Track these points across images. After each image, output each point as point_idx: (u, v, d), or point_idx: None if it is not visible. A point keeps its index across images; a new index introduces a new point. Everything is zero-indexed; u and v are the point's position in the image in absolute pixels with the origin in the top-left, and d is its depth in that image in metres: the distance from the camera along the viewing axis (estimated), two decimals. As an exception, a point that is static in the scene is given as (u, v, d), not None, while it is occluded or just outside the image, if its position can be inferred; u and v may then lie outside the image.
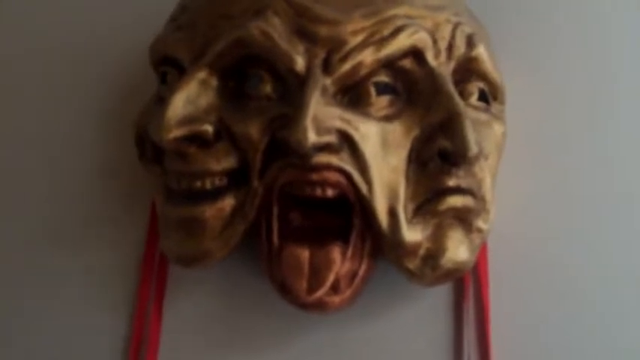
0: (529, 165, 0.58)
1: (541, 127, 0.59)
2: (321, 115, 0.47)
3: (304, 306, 0.50)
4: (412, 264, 0.49)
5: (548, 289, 0.56)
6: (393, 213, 0.48)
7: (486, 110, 0.53)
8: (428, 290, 0.55)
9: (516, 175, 0.57)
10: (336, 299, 0.50)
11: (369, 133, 0.48)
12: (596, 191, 0.58)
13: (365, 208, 0.49)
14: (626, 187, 0.58)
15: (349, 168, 0.48)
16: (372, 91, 0.49)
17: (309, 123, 0.46)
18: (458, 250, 0.50)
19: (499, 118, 0.54)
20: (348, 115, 0.48)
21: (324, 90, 0.48)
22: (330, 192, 0.48)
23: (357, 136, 0.48)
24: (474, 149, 0.48)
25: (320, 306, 0.50)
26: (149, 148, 0.54)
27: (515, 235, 0.57)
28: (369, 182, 0.48)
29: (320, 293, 0.49)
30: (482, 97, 0.53)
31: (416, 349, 0.56)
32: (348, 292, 0.50)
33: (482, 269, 0.56)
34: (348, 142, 0.48)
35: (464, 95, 0.52)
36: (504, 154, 0.55)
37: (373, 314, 0.56)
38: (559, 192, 0.58)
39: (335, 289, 0.50)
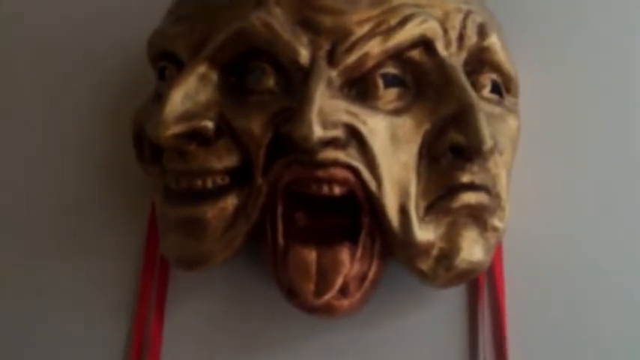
0: (544, 161, 0.56)
1: (555, 122, 0.57)
2: (326, 109, 0.45)
3: (312, 310, 0.48)
4: (425, 265, 0.47)
5: (565, 290, 0.54)
6: (403, 211, 0.46)
7: (499, 103, 0.51)
8: (441, 293, 0.53)
9: (531, 172, 0.55)
10: (344, 303, 0.48)
11: (377, 127, 0.46)
12: (613, 188, 0.56)
13: (374, 206, 0.46)
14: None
15: (357, 164, 0.46)
16: (380, 83, 0.47)
17: (314, 117, 0.44)
18: (473, 249, 0.48)
19: (513, 111, 0.52)
20: (355, 109, 0.46)
21: (330, 82, 0.46)
22: (337, 190, 0.46)
23: (364, 131, 0.46)
24: (488, 142, 0.46)
25: (328, 310, 0.48)
26: (147, 148, 0.52)
27: (530, 234, 0.55)
28: (378, 179, 0.46)
29: (328, 296, 0.47)
30: (495, 89, 0.51)
31: (428, 354, 0.54)
32: (357, 295, 0.48)
33: (498, 270, 0.54)
34: (355, 137, 0.46)
35: (476, 87, 0.50)
36: (518, 150, 0.52)
37: (384, 318, 0.54)
38: (575, 190, 0.56)
39: (344, 292, 0.48)
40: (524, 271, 0.54)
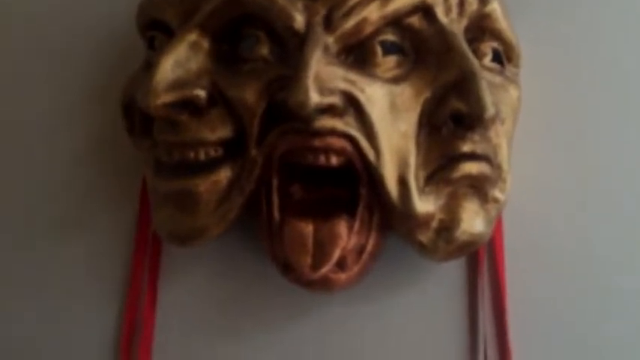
0: (545, 133, 0.55)
1: (557, 93, 0.56)
2: (323, 75, 0.43)
3: (308, 284, 0.47)
4: (424, 237, 0.46)
5: (565, 263, 0.53)
6: (403, 182, 0.45)
7: (501, 72, 0.50)
8: (440, 266, 0.52)
9: (532, 144, 0.54)
10: (342, 276, 0.47)
11: (375, 95, 0.45)
12: (615, 160, 0.55)
13: (373, 177, 0.45)
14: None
15: (355, 133, 0.44)
16: (378, 50, 0.46)
17: (310, 82, 0.42)
18: (474, 221, 0.47)
19: (514, 81, 0.51)
20: (353, 76, 0.45)
21: (326, 49, 0.44)
22: (334, 160, 0.45)
23: (362, 98, 0.44)
24: (490, 110, 0.45)
25: (325, 283, 0.47)
26: (137, 119, 0.51)
27: (530, 207, 0.54)
28: (376, 149, 0.45)
29: (325, 270, 0.46)
30: (497, 58, 0.50)
31: (427, 328, 0.53)
32: (355, 269, 0.47)
33: (498, 242, 0.53)
34: (353, 105, 0.44)
35: (477, 55, 0.48)
36: (519, 122, 0.51)
37: (382, 292, 0.53)
38: (576, 162, 0.55)
39: (341, 265, 0.47)
40: (524, 244, 0.53)
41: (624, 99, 0.55)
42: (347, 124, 0.44)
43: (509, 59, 0.51)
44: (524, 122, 0.52)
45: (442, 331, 0.53)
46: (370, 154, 0.45)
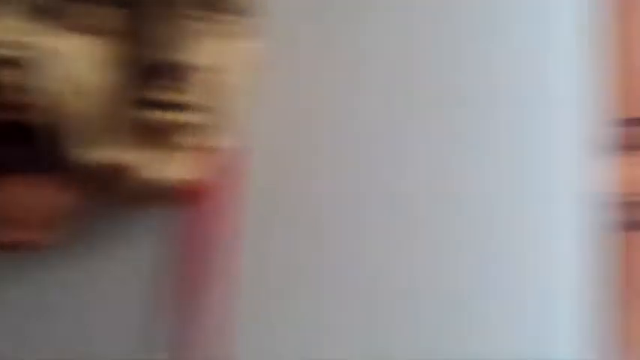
0: (288, 84, 0.56)
1: (298, 44, 0.57)
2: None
3: (13, 247, 0.46)
4: (118, 187, 0.46)
5: (303, 214, 0.56)
6: (86, 135, 0.45)
7: (213, 21, 0.49)
8: (154, 216, 0.53)
9: (275, 94, 0.55)
10: (34, 236, 0.46)
11: (67, 47, 0.44)
12: (354, 106, 0.57)
13: (54, 132, 0.44)
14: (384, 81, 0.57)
15: (35, 86, 0.44)
16: (83, 3, 0.45)
17: None
18: (166, 168, 0.47)
19: (237, 32, 0.51)
20: (43, 27, 0.44)
21: (23, 6, 0.43)
22: (11, 115, 0.43)
23: (50, 51, 0.44)
24: (171, 58, 0.45)
25: (30, 245, 0.46)
26: None
27: (270, 155, 0.55)
28: (58, 103, 0.44)
29: (16, 232, 0.45)
30: (205, 6, 0.49)
31: (145, 278, 0.54)
32: (48, 228, 0.47)
33: (226, 189, 0.54)
34: (37, 58, 0.43)
35: (180, 5, 0.48)
36: (264, 73, 0.53)
37: (96, 247, 0.54)
38: (318, 111, 0.57)
39: (32, 225, 0.46)
40: (263, 190, 0.55)
41: (372, 29, 0.57)
42: (26, 78, 0.43)
43: (222, 7, 0.50)
44: (268, 73, 0.53)
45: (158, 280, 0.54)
46: (51, 108, 0.44)
